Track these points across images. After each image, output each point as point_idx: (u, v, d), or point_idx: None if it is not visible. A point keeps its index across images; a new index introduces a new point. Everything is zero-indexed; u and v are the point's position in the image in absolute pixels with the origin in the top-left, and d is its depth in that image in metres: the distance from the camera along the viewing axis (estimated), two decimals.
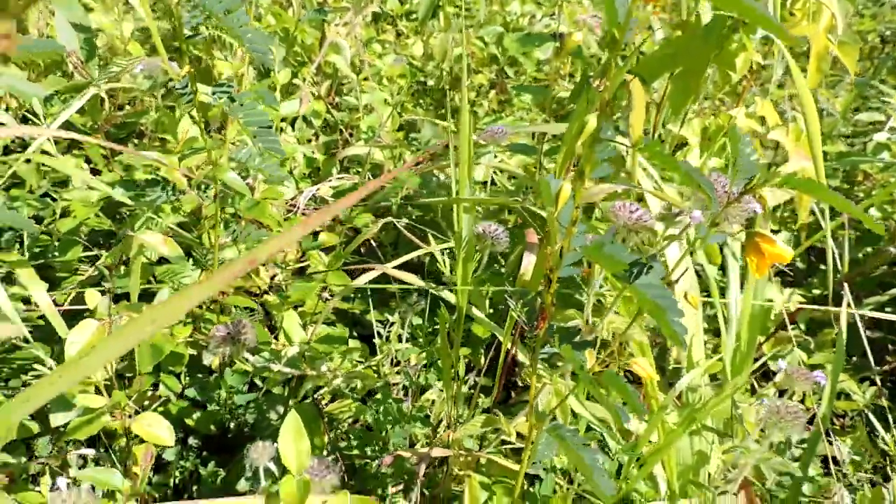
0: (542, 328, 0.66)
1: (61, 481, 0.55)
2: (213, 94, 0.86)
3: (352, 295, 1.43)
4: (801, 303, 1.43)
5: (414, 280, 0.99)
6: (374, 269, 1.20)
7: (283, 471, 0.80)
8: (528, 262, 0.93)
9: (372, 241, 1.62)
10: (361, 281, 1.26)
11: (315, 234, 1.56)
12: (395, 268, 1.24)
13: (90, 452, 0.86)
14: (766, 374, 1.50)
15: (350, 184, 1.72)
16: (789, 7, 1.19)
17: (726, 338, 1.21)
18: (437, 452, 0.92)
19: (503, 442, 1.04)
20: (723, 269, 1.36)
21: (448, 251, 1.25)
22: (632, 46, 1.21)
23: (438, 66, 2.22)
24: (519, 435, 0.93)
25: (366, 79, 1.98)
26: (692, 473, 1.04)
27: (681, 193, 1.04)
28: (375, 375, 1.11)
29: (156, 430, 0.80)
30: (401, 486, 0.99)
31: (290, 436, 0.81)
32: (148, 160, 1.02)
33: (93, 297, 0.86)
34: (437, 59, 2.14)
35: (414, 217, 1.61)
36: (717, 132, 1.25)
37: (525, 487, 0.90)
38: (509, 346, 0.94)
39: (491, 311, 1.13)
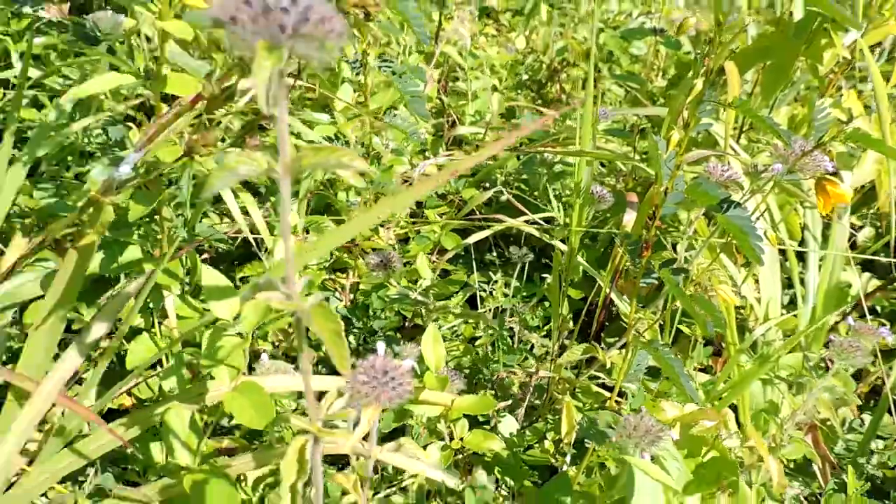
0: (646, 256, 0.83)
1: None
2: (380, 67, 1.08)
3: (459, 257, 1.63)
4: (877, 288, 1.52)
5: (528, 227, 1.17)
6: (487, 227, 1.40)
7: (424, 370, 1.01)
8: (630, 217, 1.10)
9: (477, 212, 1.81)
10: (471, 240, 1.46)
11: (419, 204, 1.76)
12: (495, 234, 1.44)
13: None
14: None
15: (458, 160, 1.92)
16: (878, 8, 1.30)
17: (803, 307, 1.34)
18: (543, 373, 1.11)
19: (593, 377, 1.21)
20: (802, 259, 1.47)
21: (550, 218, 1.44)
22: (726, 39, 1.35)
23: (538, 59, 2.39)
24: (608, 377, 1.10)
25: (472, 68, 2.18)
26: (763, 419, 1.18)
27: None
28: (487, 318, 1.30)
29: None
30: (508, 403, 1.17)
31: (430, 342, 1.01)
32: (323, 121, 1.25)
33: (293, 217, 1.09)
34: (538, 51, 2.32)
35: (514, 194, 1.79)
36: (802, 121, 1.38)
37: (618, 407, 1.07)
38: (608, 290, 1.11)
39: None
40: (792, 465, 1.24)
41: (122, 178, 0.66)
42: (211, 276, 0.65)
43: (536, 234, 1.19)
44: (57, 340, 0.77)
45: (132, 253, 1.02)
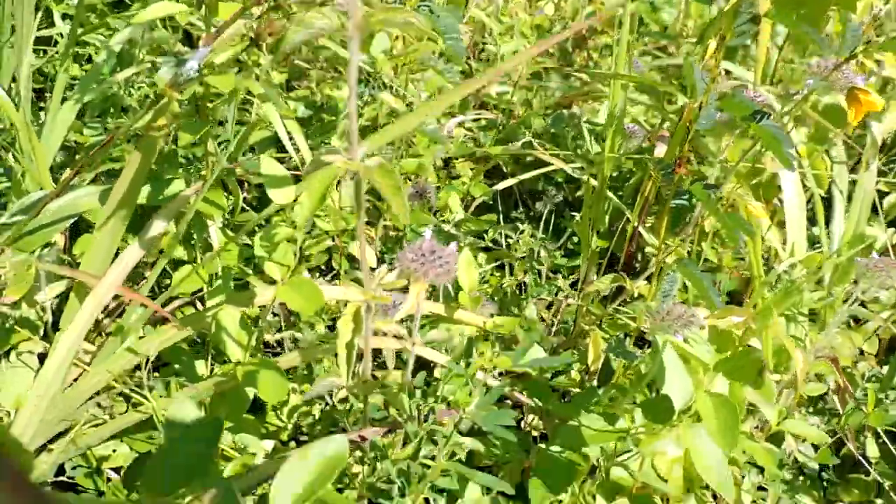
0: (679, 173, 0.86)
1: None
2: (417, 7, 1.11)
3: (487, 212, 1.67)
4: None
5: (559, 163, 1.21)
6: (505, 173, 1.43)
7: (458, 290, 1.05)
8: (661, 149, 1.13)
9: (505, 168, 1.85)
10: (500, 187, 1.50)
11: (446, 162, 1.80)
12: (521, 181, 1.48)
13: None
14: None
15: (486, 120, 1.95)
16: None
17: (828, 252, 1.36)
18: (570, 301, 1.14)
19: (620, 311, 1.25)
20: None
21: (580, 168, 1.47)
22: None
23: (567, 26, 2.41)
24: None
25: (501, 33, 2.21)
26: (785, 354, 1.21)
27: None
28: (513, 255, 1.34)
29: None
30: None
31: (464, 266, 1.05)
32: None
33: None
34: (567, 17, 2.33)
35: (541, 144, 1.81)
36: (835, 39, 1.38)
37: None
38: (636, 224, 1.14)
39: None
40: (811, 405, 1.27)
41: (188, 76, 0.70)
42: (270, 166, 0.69)
43: (568, 169, 1.22)
44: (118, 241, 0.82)
45: (177, 186, 1.07)
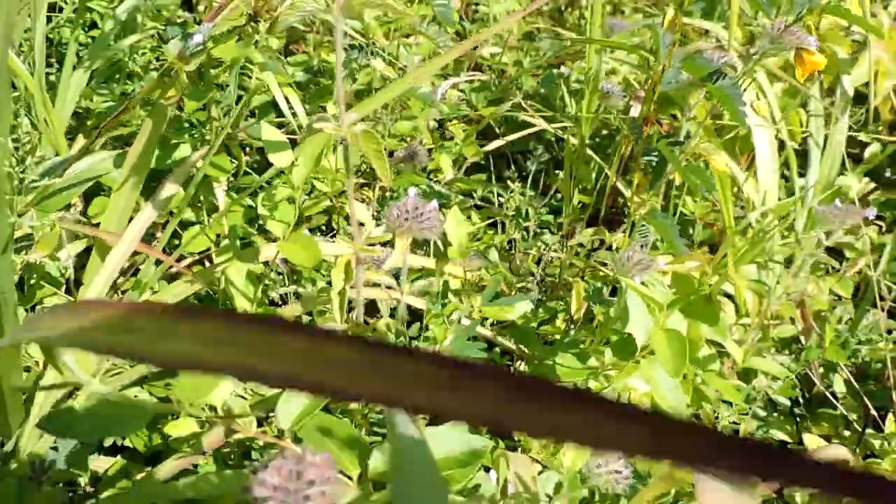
0: (647, 130, 0.93)
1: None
2: None
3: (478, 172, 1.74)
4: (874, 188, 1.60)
5: (543, 123, 1.27)
6: (496, 135, 1.50)
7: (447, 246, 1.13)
8: (637, 109, 1.19)
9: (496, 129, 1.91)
10: (490, 147, 1.56)
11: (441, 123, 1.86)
12: (512, 142, 1.55)
13: None
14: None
15: (479, 82, 2.00)
16: None
17: (800, 206, 1.43)
18: (554, 254, 1.22)
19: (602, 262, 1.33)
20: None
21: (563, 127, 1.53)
22: None
23: None
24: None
25: None
26: (758, 299, 1.29)
27: None
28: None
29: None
30: (522, 285, 1.30)
31: (453, 221, 1.13)
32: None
33: None
34: None
35: (532, 105, 1.87)
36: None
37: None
38: (614, 179, 1.21)
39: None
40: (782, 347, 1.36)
41: (194, 48, 0.77)
42: (269, 132, 0.76)
43: (551, 130, 1.29)
44: (133, 202, 0.90)
45: (184, 150, 1.14)
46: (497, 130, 1.96)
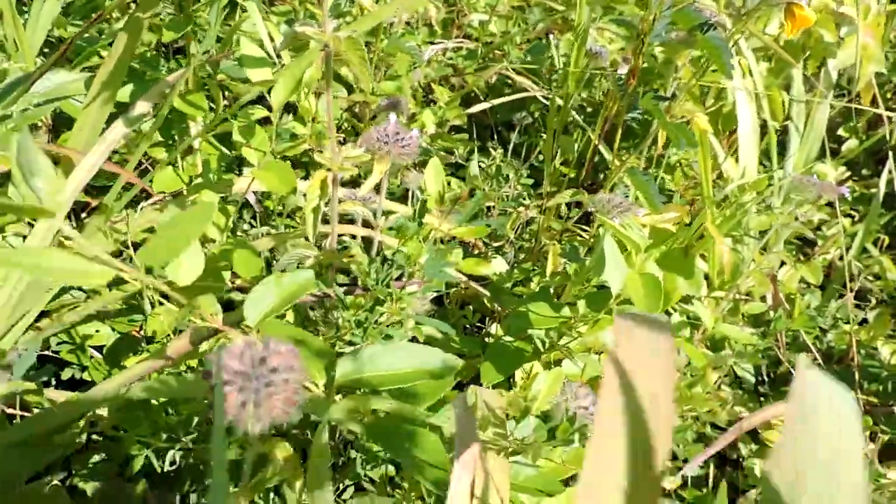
0: (632, 84, 0.92)
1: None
2: None
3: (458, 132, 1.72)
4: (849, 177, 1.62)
5: (531, 85, 1.26)
6: (481, 102, 1.48)
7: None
8: (625, 69, 1.19)
9: (480, 97, 1.89)
10: (474, 109, 1.55)
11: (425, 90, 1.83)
12: (496, 112, 1.53)
13: None
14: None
15: (466, 49, 1.98)
16: None
17: (777, 182, 1.44)
18: (532, 212, 1.21)
19: (579, 226, 1.33)
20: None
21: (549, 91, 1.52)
22: None
23: None
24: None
25: None
26: (732, 272, 1.30)
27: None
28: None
29: None
30: (500, 244, 1.29)
31: (433, 173, 1.12)
32: None
33: None
34: None
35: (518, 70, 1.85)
36: None
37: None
38: (596, 142, 1.20)
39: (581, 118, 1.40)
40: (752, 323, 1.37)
41: None
42: (249, 48, 0.74)
43: (537, 92, 1.28)
44: (104, 120, 0.87)
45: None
46: (481, 99, 1.95)
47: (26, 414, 0.87)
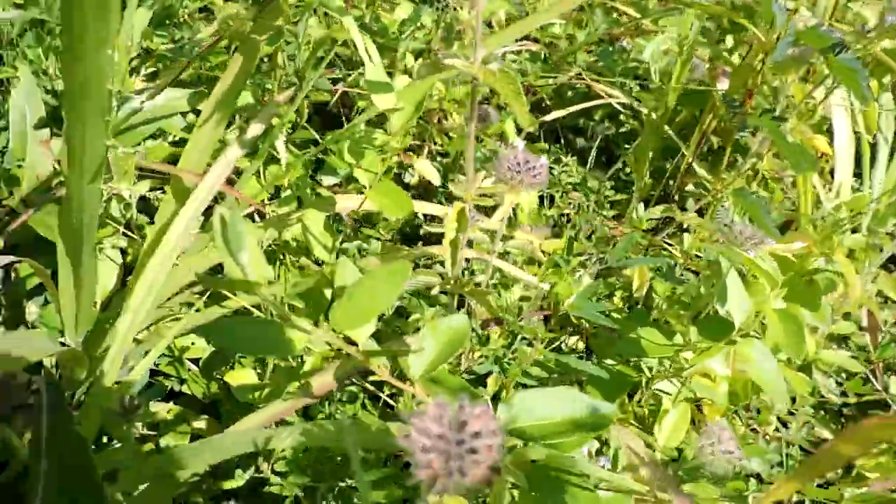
0: (749, 104, 0.89)
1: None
2: None
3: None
4: None
5: (603, 90, 1.23)
6: (548, 107, 1.45)
7: None
8: (724, 83, 1.15)
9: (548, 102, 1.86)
10: (549, 117, 1.52)
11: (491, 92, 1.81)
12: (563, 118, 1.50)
13: None
14: None
15: (529, 52, 1.95)
16: None
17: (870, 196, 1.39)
18: (622, 229, 1.19)
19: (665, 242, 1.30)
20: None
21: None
22: None
23: None
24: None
25: None
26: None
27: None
28: None
29: None
30: (585, 258, 1.26)
31: None
32: None
33: None
34: None
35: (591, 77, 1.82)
36: None
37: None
38: (690, 159, 1.17)
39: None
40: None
41: None
42: (374, 73, 0.73)
43: (625, 100, 1.25)
44: (216, 141, 0.86)
45: (245, 98, 1.10)
46: (547, 104, 1.92)
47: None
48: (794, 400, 1.17)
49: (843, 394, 1.41)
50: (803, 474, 0.47)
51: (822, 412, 1.41)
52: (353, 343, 0.47)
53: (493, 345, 0.63)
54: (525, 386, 0.71)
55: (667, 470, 0.62)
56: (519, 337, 0.62)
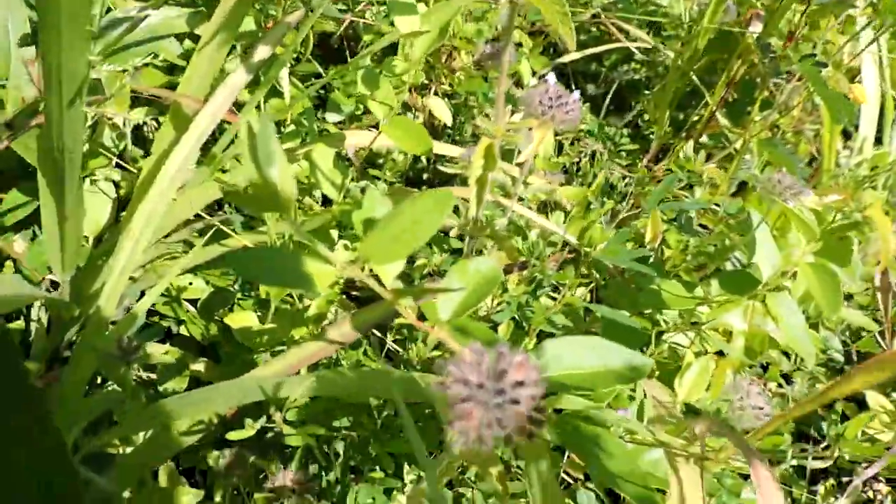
0: (789, 46, 0.84)
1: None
2: None
3: None
4: None
5: (642, 35, 1.17)
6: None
7: None
8: (757, 26, 1.09)
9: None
10: (564, 59, 1.45)
11: None
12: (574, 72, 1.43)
13: None
14: None
15: None
16: None
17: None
18: (636, 175, 1.14)
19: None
20: None
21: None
22: None
23: None
24: None
25: None
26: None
27: None
28: None
29: None
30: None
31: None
32: None
33: None
34: None
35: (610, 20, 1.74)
36: None
37: None
38: (714, 108, 1.12)
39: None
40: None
41: None
42: None
43: (650, 42, 1.19)
44: (219, 66, 0.80)
45: (248, 24, 1.03)
46: (561, 48, 1.84)
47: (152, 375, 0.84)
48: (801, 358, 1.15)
49: (847, 353, 1.40)
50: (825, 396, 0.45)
51: (825, 370, 1.40)
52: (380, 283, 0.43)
53: (514, 292, 0.59)
54: (544, 335, 0.67)
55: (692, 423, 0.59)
56: (540, 283, 0.59)
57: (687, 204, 0.81)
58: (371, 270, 0.43)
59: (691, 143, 0.90)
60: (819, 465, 0.77)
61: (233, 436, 0.59)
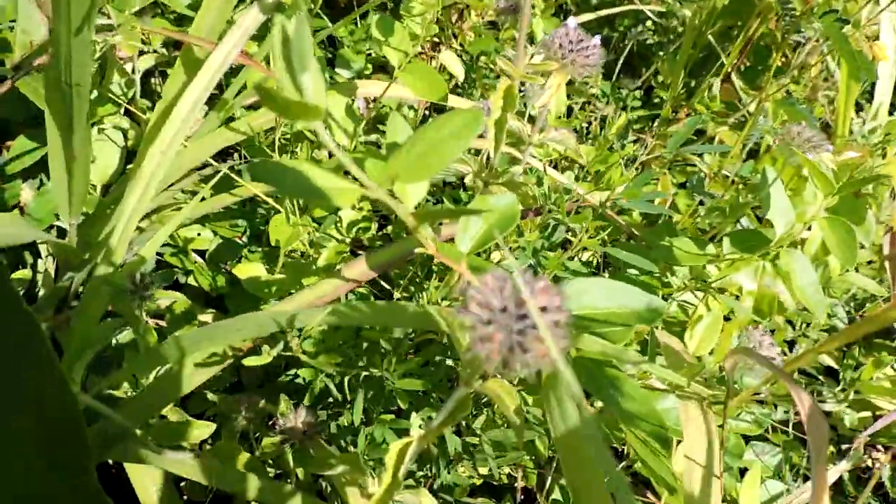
0: (810, 4, 0.82)
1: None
2: None
3: None
4: None
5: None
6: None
7: None
8: None
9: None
10: (572, 22, 1.43)
11: None
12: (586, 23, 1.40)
13: None
14: None
15: None
16: None
17: None
18: (649, 139, 1.13)
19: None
20: None
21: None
22: None
23: None
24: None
25: None
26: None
27: None
28: None
29: None
30: None
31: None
32: None
33: None
34: None
35: None
36: None
37: None
38: (729, 69, 1.10)
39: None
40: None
41: None
42: None
43: (645, 7, 1.17)
44: (227, 17, 0.79)
45: None
46: (571, 7, 1.81)
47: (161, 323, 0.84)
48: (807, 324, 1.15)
49: (851, 321, 1.40)
50: (849, 334, 0.45)
51: (828, 335, 1.40)
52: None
53: (529, 237, 0.59)
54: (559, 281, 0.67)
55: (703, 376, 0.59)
56: (556, 227, 0.58)
57: (700, 148, 0.79)
58: (394, 195, 0.42)
59: (718, 80, 0.89)
60: (829, 408, 0.77)
61: (249, 361, 0.59)
